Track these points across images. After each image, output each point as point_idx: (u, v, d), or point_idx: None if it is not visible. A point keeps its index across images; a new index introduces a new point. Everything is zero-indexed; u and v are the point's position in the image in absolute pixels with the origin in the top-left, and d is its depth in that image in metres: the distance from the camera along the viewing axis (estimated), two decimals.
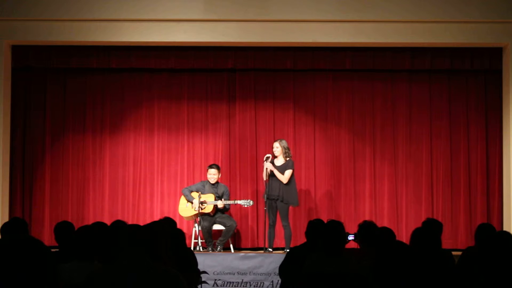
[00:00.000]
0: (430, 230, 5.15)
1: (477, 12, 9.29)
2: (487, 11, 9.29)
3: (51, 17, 9.27)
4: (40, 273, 2.62)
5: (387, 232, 5.22)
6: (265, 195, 9.06)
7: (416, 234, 4.64)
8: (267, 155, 9.17)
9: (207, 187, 9.31)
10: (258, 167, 9.94)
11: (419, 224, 6.54)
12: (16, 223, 4.91)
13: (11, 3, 9.22)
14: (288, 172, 9.07)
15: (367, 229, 5.45)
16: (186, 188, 9.47)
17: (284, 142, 9.24)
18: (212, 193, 9.27)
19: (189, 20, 9.35)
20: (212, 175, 9.30)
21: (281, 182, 9.04)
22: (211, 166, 9.38)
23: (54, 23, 9.33)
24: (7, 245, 2.63)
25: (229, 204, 9.33)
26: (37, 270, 2.62)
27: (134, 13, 9.27)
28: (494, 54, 9.78)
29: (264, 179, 9.13)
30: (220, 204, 9.14)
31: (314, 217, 7.41)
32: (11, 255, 2.60)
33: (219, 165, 9.85)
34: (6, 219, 8.69)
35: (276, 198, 9.06)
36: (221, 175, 9.84)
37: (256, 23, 9.39)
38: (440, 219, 9.88)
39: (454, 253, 5.56)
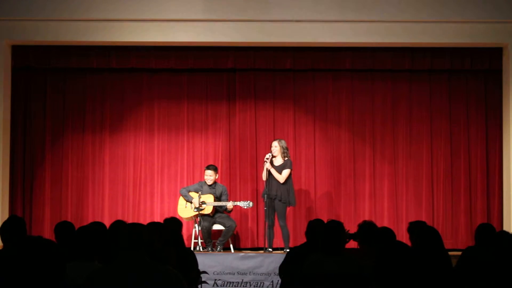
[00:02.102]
0: (432, 230, 5.15)
1: (477, 12, 9.28)
2: (487, 11, 9.28)
3: (51, 17, 9.27)
4: (52, 273, 2.64)
5: (387, 232, 5.21)
6: (265, 195, 9.06)
7: (418, 234, 4.63)
8: (268, 154, 9.17)
9: (205, 187, 9.29)
10: (258, 167, 9.94)
11: None
12: (14, 221, 4.90)
13: (11, 3, 9.22)
14: (286, 172, 9.07)
15: (367, 229, 5.44)
16: (184, 188, 9.47)
17: (283, 142, 9.24)
18: (210, 193, 9.26)
19: (189, 20, 9.34)
20: (209, 176, 9.29)
21: (278, 181, 9.04)
22: (208, 167, 9.37)
23: (54, 23, 9.33)
24: (21, 247, 2.65)
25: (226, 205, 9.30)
26: (51, 270, 2.64)
27: (134, 13, 9.27)
28: (494, 54, 9.78)
29: (264, 179, 9.14)
30: (230, 205, 9.12)
31: (314, 217, 7.41)
32: (26, 256, 2.62)
33: (219, 165, 9.87)
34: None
35: (274, 198, 9.06)
36: (221, 175, 9.85)
37: (256, 23, 9.39)
38: (440, 219, 9.96)
39: (454, 253, 5.56)
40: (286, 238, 9.11)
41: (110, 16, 9.28)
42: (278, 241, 9.36)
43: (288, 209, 9.25)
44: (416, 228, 5.64)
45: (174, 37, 9.41)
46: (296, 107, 10.25)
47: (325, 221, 5.19)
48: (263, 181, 9.27)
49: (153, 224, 5.02)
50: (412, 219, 9.83)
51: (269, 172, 9.08)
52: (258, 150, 10.10)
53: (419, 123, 10.19)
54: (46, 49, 9.76)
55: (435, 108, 10.19)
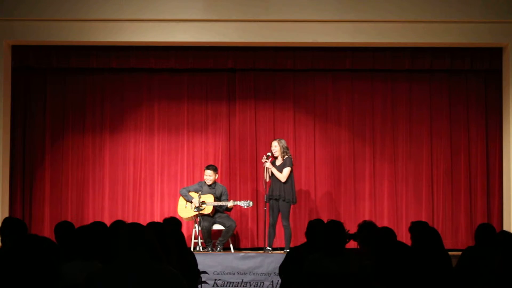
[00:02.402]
0: (432, 230, 5.15)
1: (477, 12, 9.29)
2: (487, 11, 9.29)
3: (51, 17, 9.27)
4: (48, 271, 2.64)
5: (387, 232, 5.22)
6: (266, 196, 9.06)
7: (418, 234, 4.64)
8: (267, 154, 9.16)
9: (205, 187, 9.29)
10: (258, 167, 9.94)
11: None
12: (12, 222, 4.90)
13: (11, 3, 9.22)
14: (286, 170, 9.06)
15: (367, 229, 5.45)
16: (184, 188, 9.47)
17: (283, 142, 9.23)
18: (210, 193, 9.26)
19: (189, 20, 9.34)
20: (208, 176, 9.29)
21: (281, 181, 9.04)
22: (207, 167, 9.37)
23: (54, 23, 9.33)
24: (16, 244, 2.65)
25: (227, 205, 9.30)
26: (46, 268, 2.64)
27: (134, 13, 9.27)
28: (494, 54, 9.78)
29: (267, 180, 9.12)
30: (231, 203, 9.13)
31: (314, 217, 7.41)
32: (21, 254, 2.62)
33: (219, 165, 9.87)
34: None
35: (278, 198, 9.06)
36: (221, 175, 9.85)
37: (256, 23, 9.39)
38: (440, 219, 9.96)
39: (454, 253, 5.57)
40: (288, 238, 9.10)
41: (110, 16, 9.28)
42: (278, 241, 9.36)
43: None
44: (417, 228, 5.65)
45: (174, 37, 9.41)
46: (296, 107, 10.25)
47: (325, 221, 5.19)
48: (263, 182, 9.25)
49: (153, 224, 5.02)
50: (412, 219, 9.84)
51: (271, 173, 9.08)
52: (258, 150, 10.10)
53: (419, 123, 10.19)
54: (46, 49, 9.76)
55: (435, 108, 10.19)
